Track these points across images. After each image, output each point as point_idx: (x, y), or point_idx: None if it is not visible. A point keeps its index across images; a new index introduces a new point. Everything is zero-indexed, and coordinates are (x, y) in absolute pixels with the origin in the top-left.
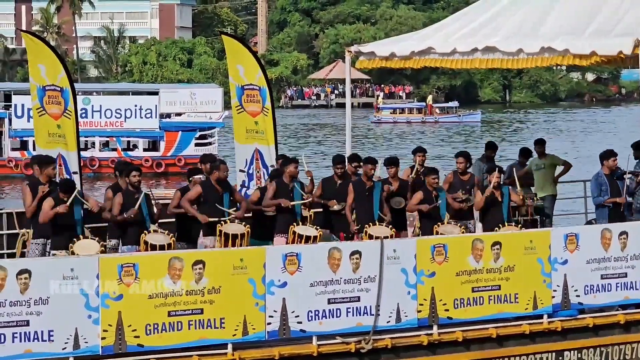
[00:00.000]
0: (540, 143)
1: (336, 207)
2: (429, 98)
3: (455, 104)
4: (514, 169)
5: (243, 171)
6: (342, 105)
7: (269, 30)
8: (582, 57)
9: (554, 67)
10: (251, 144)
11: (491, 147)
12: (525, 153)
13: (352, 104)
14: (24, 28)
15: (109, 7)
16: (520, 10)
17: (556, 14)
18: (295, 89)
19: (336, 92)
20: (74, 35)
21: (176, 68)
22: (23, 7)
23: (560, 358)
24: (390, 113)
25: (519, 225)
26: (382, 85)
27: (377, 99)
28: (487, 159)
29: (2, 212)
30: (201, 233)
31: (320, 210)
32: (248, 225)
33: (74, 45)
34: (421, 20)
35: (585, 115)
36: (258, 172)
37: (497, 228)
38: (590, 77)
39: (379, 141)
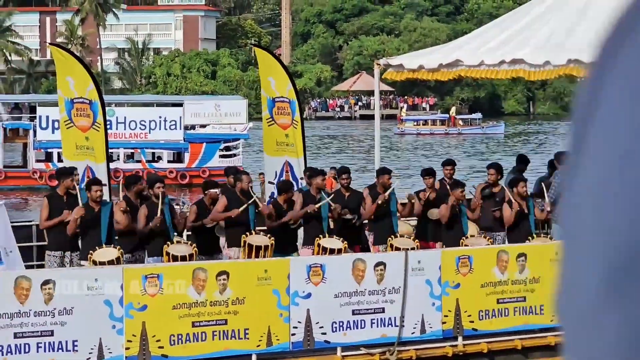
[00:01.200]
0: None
1: (348, 216)
2: (452, 110)
3: (478, 115)
4: (543, 182)
5: (272, 183)
6: (365, 117)
7: (293, 42)
8: None
9: (579, 79)
10: (281, 157)
11: (523, 161)
12: (553, 165)
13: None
14: (48, 40)
15: (133, 19)
16: (548, 24)
17: (584, 27)
18: (319, 100)
19: (360, 103)
20: (98, 47)
21: (200, 80)
22: (47, 19)
23: None
24: (414, 125)
25: (549, 237)
26: (406, 97)
27: (401, 110)
28: (519, 172)
29: (31, 224)
30: (225, 244)
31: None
32: (273, 237)
33: (98, 57)
34: (445, 32)
35: None
36: None
37: (528, 239)
38: None
39: (403, 153)
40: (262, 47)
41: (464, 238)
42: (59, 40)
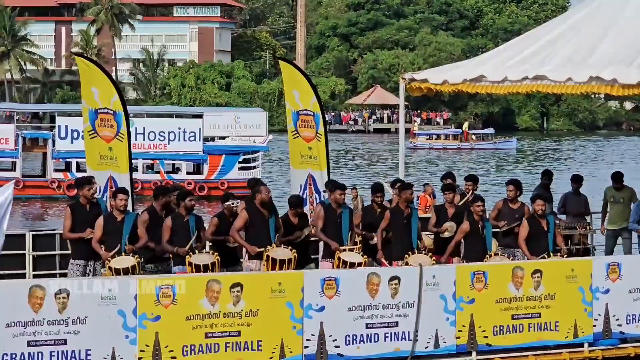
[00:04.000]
0: (618, 176)
1: (375, 240)
2: (465, 125)
3: (491, 130)
4: (567, 198)
5: None
6: (379, 131)
7: (308, 55)
8: (630, 87)
9: (593, 96)
10: (305, 169)
11: (547, 175)
12: (577, 180)
13: (389, 129)
14: (63, 50)
15: (148, 30)
16: (572, 41)
17: (607, 45)
18: (333, 113)
19: (374, 117)
20: (113, 57)
21: (214, 91)
22: (63, 29)
23: None
24: (427, 139)
25: (564, 255)
26: (420, 111)
27: (414, 124)
28: (544, 187)
29: (55, 232)
30: (246, 257)
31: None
32: (295, 250)
33: (113, 68)
34: (460, 46)
35: (631, 144)
36: (311, 196)
37: (544, 257)
38: (628, 105)
39: (416, 166)
40: (287, 61)
41: (487, 257)
42: (74, 50)
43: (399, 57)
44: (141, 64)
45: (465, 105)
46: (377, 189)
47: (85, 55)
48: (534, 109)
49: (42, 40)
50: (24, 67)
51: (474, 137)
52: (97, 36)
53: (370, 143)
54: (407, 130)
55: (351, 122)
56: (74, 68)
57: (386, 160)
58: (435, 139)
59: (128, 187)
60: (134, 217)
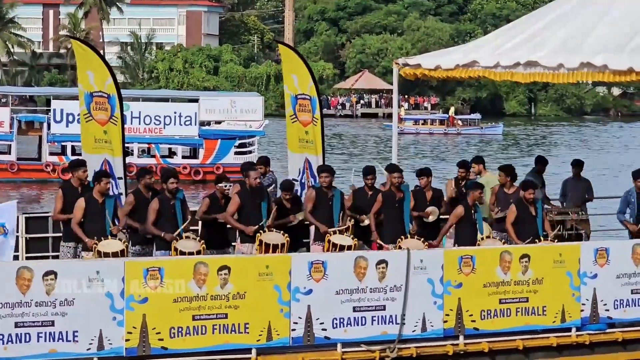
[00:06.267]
0: None
1: (366, 222)
2: (451, 110)
3: (477, 116)
4: (568, 184)
5: (296, 180)
6: (367, 115)
7: (296, 39)
8: (621, 74)
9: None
10: (302, 153)
11: (541, 162)
12: (577, 164)
13: (377, 114)
14: (51, 33)
15: (136, 14)
16: (564, 27)
17: (599, 31)
18: (320, 98)
19: (362, 102)
20: (100, 40)
21: (202, 75)
22: (51, 12)
23: None
24: (413, 124)
25: (555, 240)
26: (407, 96)
27: (401, 109)
28: (537, 173)
29: (47, 215)
30: (239, 240)
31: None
32: (287, 235)
33: (101, 51)
34: (448, 31)
35: (618, 130)
36: (308, 181)
37: (536, 242)
38: (616, 91)
39: (403, 151)
40: (287, 45)
41: (479, 239)
42: (62, 33)
43: (387, 41)
44: (129, 48)
45: (453, 91)
46: (368, 171)
47: (78, 38)
48: (522, 95)
49: (30, 23)
50: (12, 50)
51: (460, 122)
52: (85, 19)
53: (359, 128)
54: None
55: (339, 107)
56: (61, 51)
57: (376, 144)
58: (422, 124)
59: (122, 171)
60: (114, 199)
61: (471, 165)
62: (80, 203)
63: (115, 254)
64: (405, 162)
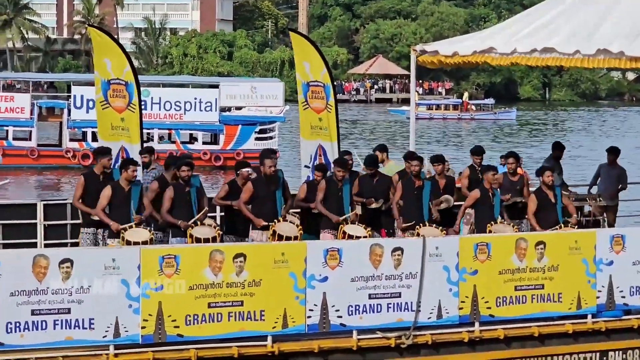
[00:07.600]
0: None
1: (374, 205)
2: (465, 95)
3: (491, 101)
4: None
5: (308, 167)
6: (381, 101)
7: (310, 24)
8: (637, 60)
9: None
10: (315, 140)
11: (558, 148)
12: (611, 151)
13: (391, 99)
14: (65, 18)
15: None
16: (580, 13)
17: (615, 17)
18: (334, 83)
19: (376, 87)
20: (115, 26)
21: (216, 61)
22: None
23: (605, 358)
24: (427, 109)
25: (570, 225)
26: (422, 81)
27: (415, 94)
28: (555, 159)
29: (66, 202)
30: (251, 226)
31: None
32: (301, 227)
33: (115, 36)
34: (462, 16)
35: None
36: None
37: (556, 229)
38: (631, 76)
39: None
40: (298, 32)
41: (490, 225)
42: (76, 19)
43: (401, 26)
44: (143, 33)
45: (468, 76)
46: (369, 162)
47: (95, 25)
48: (536, 79)
49: (44, 9)
50: (26, 36)
51: (473, 107)
52: (99, 5)
53: (375, 113)
54: (408, 100)
55: (353, 92)
56: (75, 37)
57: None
58: (436, 109)
59: (139, 158)
60: (140, 187)
61: (375, 153)
62: (107, 191)
63: (143, 243)
64: (418, 147)
